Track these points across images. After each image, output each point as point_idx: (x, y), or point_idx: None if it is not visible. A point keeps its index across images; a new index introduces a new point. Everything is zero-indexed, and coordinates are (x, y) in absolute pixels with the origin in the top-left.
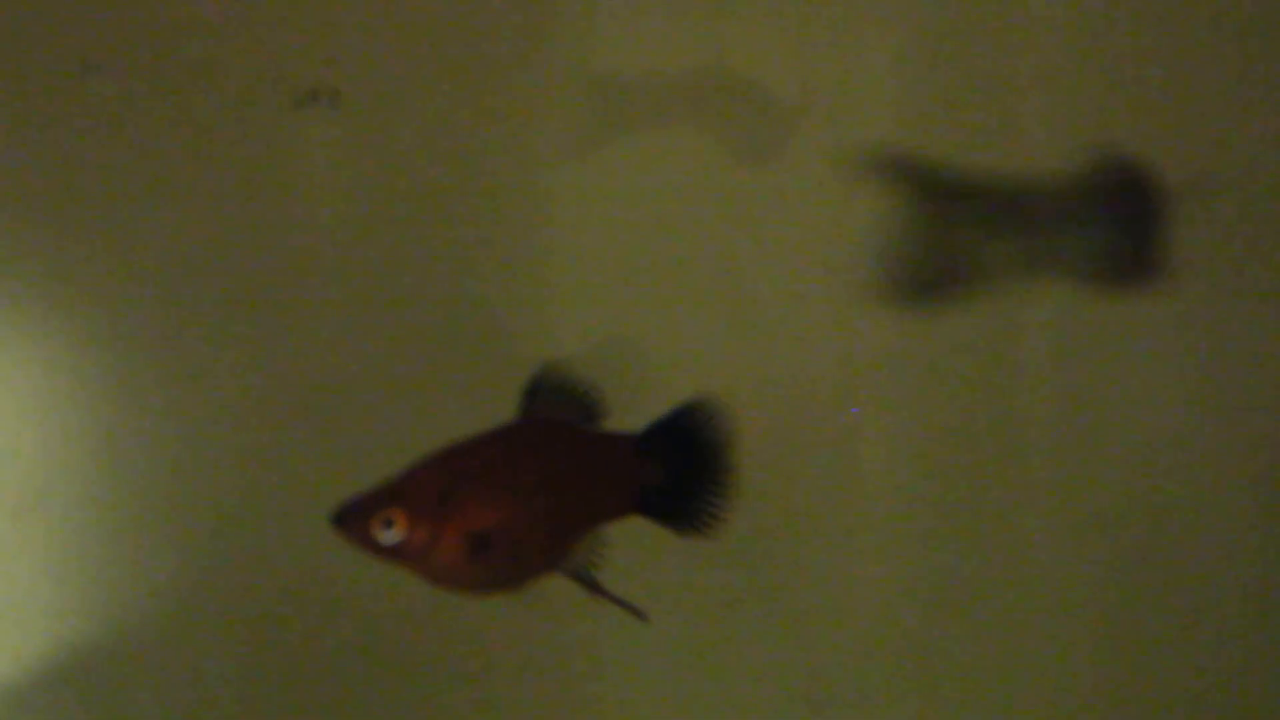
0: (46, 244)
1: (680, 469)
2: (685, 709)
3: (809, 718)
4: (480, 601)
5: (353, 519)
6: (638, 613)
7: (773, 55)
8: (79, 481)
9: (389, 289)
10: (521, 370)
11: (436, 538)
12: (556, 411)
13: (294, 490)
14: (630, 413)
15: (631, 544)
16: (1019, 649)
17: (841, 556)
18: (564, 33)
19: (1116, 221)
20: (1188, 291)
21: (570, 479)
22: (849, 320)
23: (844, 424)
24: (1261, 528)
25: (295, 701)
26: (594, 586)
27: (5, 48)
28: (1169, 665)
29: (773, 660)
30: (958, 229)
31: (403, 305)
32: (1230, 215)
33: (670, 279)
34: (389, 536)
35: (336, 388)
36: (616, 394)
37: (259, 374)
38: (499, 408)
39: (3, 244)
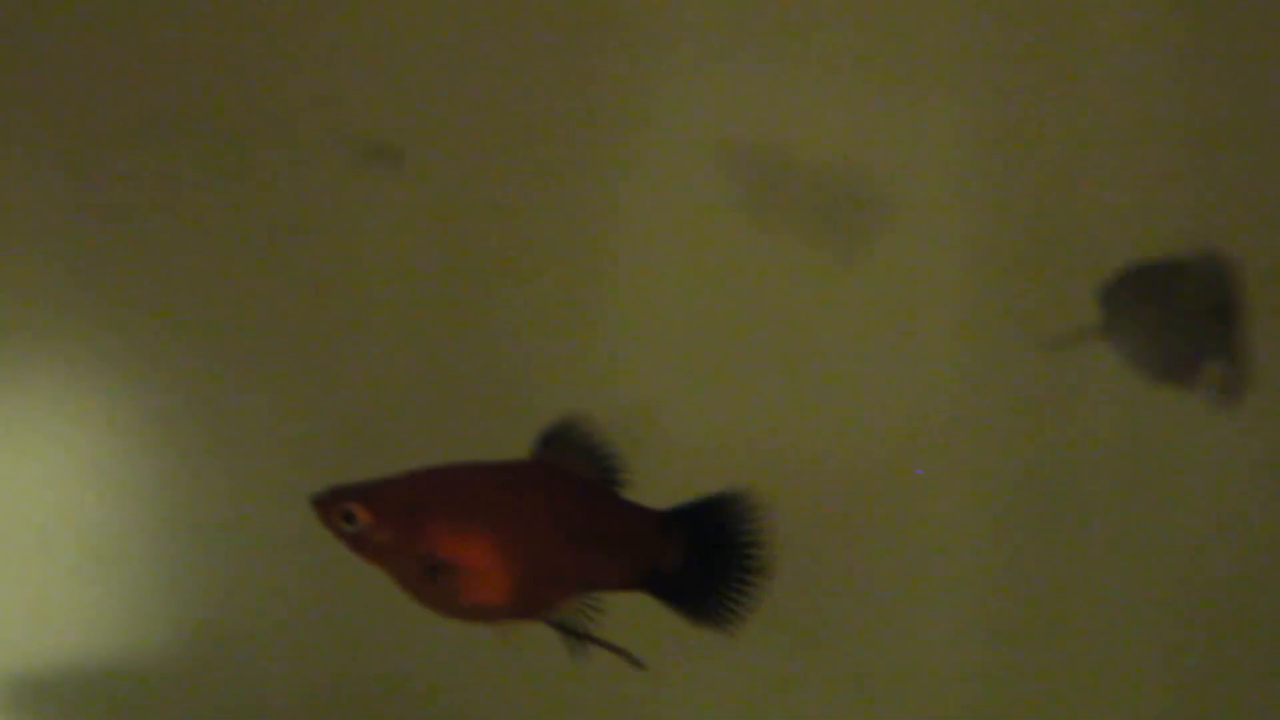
0: (108, 305)
1: (702, 558)
2: None
3: None
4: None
5: (323, 504)
6: (633, 659)
7: (835, 128)
8: (137, 542)
9: (449, 350)
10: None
11: (397, 547)
12: (570, 465)
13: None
14: (696, 475)
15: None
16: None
17: (905, 620)
18: (629, 98)
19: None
20: (1262, 374)
21: (570, 535)
22: (915, 383)
23: (909, 485)
24: None
25: None
26: (580, 647)
27: (68, 106)
28: None
29: None
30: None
31: (462, 365)
32: None
33: (734, 343)
34: (351, 532)
35: (397, 449)
36: (675, 455)
37: (322, 437)
38: None
39: (66, 306)
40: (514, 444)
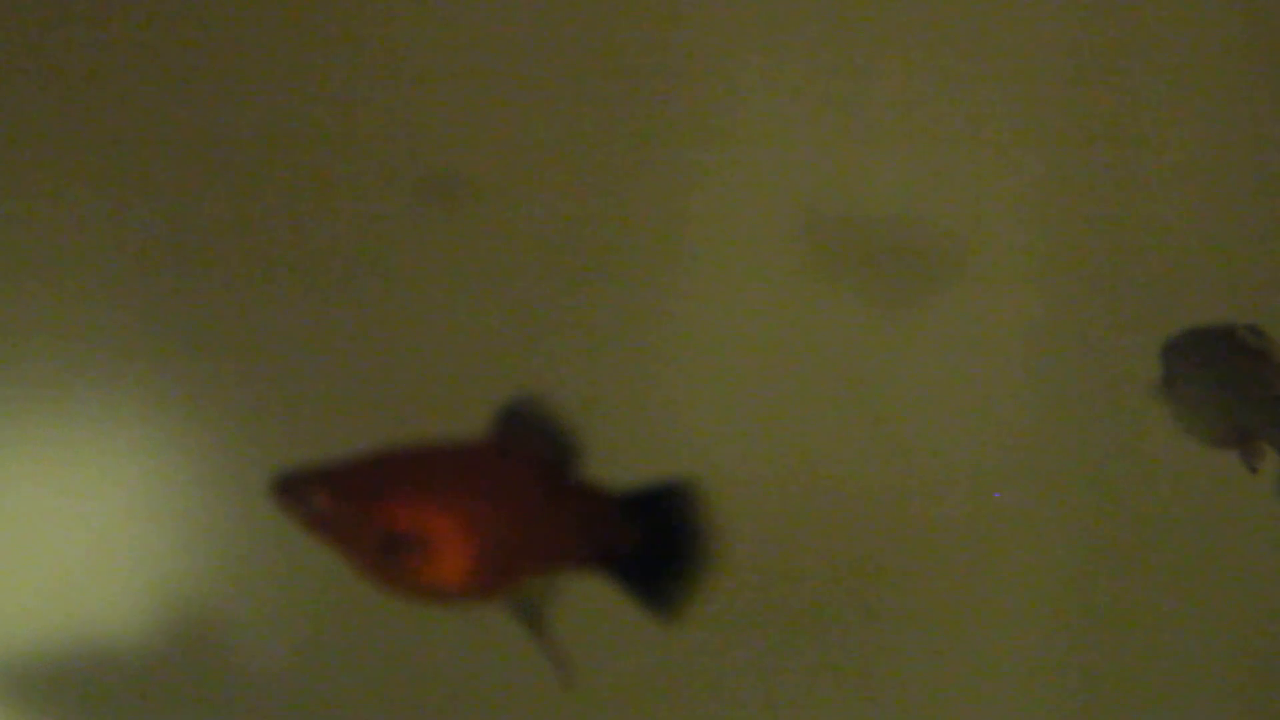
0: (170, 340)
1: (656, 545)
2: None
3: None
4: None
5: (280, 485)
6: (566, 675)
7: (902, 181)
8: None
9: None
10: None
11: (354, 527)
12: (527, 444)
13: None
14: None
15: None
16: None
17: (968, 667)
18: (695, 146)
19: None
20: None
21: (527, 514)
22: (981, 436)
23: (974, 534)
24: None
25: None
26: (535, 628)
27: (127, 138)
28: None
29: None
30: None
31: None
32: None
33: (800, 394)
34: (308, 513)
35: None
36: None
37: None
38: None
39: (125, 339)
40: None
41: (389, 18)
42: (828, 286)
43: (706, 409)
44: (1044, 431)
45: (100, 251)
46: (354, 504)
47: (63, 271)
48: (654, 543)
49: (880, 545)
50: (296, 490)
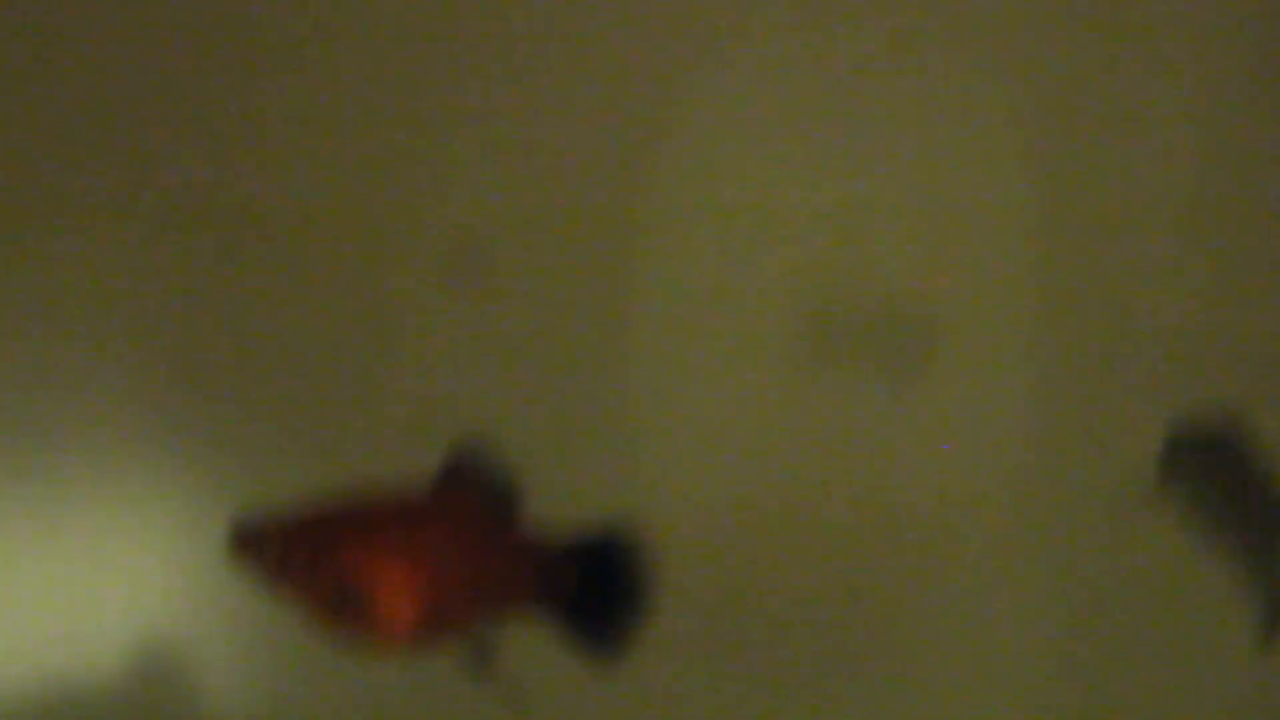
0: (192, 408)
1: (594, 591)
2: None
3: None
4: None
5: (240, 539)
6: (522, 709)
7: (896, 252)
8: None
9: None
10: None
11: (307, 576)
12: (472, 494)
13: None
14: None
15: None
16: None
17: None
18: (690, 219)
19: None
20: None
21: (474, 562)
22: (976, 509)
23: (967, 611)
24: None
25: None
26: (483, 671)
27: (154, 205)
28: None
29: None
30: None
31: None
32: None
33: (792, 468)
34: (263, 563)
35: None
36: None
37: None
38: None
39: (148, 407)
40: None
41: (411, 105)
42: (826, 363)
43: (705, 481)
44: (1037, 503)
45: (114, 305)
46: (307, 556)
47: (67, 322)
48: (593, 588)
49: (863, 615)
50: (252, 541)
